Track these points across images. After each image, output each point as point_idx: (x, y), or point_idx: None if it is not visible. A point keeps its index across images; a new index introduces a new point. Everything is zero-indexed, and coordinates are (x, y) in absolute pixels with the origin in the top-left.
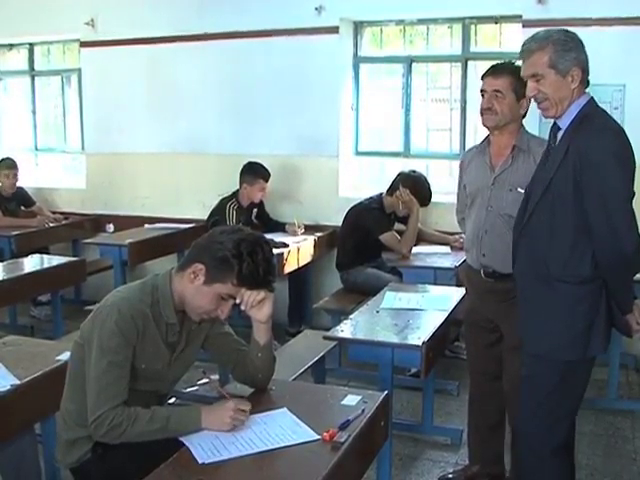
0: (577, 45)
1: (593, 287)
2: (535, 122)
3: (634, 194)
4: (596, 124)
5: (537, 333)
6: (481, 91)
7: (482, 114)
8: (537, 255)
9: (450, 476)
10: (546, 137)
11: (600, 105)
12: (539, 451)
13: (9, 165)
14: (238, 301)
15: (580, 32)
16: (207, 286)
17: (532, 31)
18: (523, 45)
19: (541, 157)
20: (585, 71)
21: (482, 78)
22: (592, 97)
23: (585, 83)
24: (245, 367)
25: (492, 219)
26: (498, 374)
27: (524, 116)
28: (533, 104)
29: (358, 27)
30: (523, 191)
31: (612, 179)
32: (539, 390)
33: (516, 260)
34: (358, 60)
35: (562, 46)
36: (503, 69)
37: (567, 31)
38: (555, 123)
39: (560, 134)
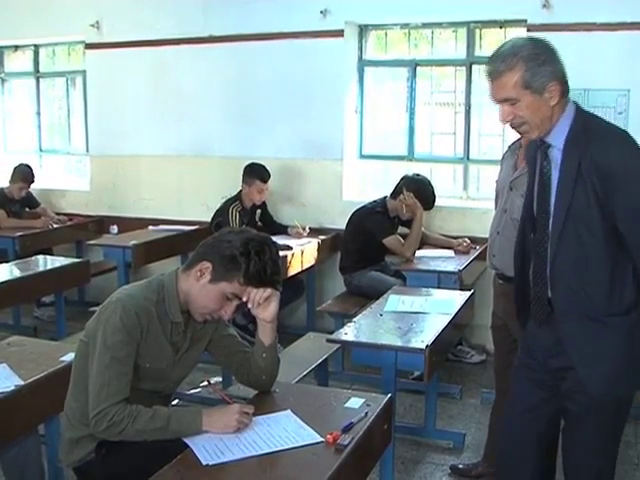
0: (550, 55)
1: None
2: None
3: None
4: (603, 134)
5: (600, 376)
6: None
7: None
8: (576, 291)
9: (460, 466)
10: None
11: (604, 110)
12: None
13: (25, 179)
14: (245, 299)
15: (585, 37)
16: (213, 284)
17: (537, 36)
18: (488, 64)
19: (530, 179)
20: (564, 82)
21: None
22: (576, 104)
23: (566, 93)
24: (249, 369)
25: (505, 221)
26: None
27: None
28: None
29: (363, 31)
30: None
31: None
32: (604, 437)
33: (555, 301)
34: (363, 63)
35: (534, 61)
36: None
37: (536, 40)
38: (542, 141)
39: (555, 153)
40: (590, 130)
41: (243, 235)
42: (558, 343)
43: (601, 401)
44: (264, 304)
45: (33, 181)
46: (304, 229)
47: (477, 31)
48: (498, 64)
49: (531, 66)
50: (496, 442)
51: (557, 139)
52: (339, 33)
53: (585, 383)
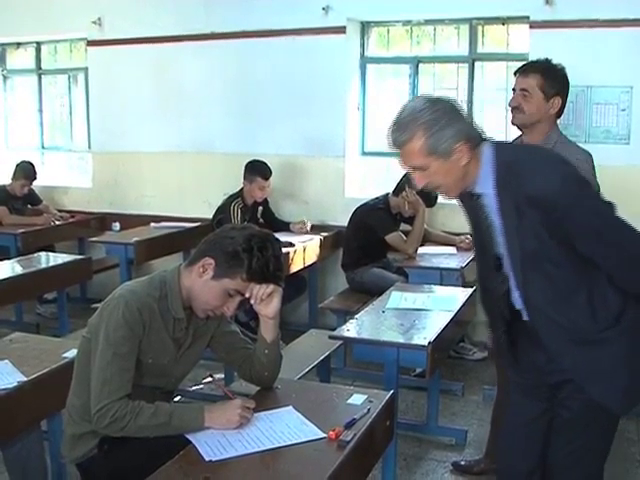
0: (452, 114)
1: (632, 311)
2: None
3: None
4: (530, 167)
5: (615, 392)
6: (513, 89)
7: (511, 112)
8: (559, 322)
9: (462, 463)
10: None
11: (607, 107)
12: None
13: (27, 176)
14: (247, 295)
15: (588, 33)
16: (215, 281)
17: (539, 32)
18: (391, 133)
19: (471, 228)
20: (471, 138)
21: (514, 75)
22: (493, 143)
23: (478, 142)
24: (251, 365)
25: None
26: None
27: (559, 116)
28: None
29: (365, 27)
30: None
31: (589, 205)
32: (594, 442)
33: (540, 333)
34: (365, 60)
35: (434, 127)
36: (532, 68)
37: (435, 102)
38: (471, 193)
39: (489, 200)
40: (516, 167)
41: (246, 231)
42: (550, 361)
43: (594, 407)
44: (266, 300)
45: (35, 178)
46: (305, 224)
47: (479, 28)
48: (399, 134)
49: (432, 132)
50: (496, 450)
51: (485, 187)
52: (341, 30)
53: (603, 402)
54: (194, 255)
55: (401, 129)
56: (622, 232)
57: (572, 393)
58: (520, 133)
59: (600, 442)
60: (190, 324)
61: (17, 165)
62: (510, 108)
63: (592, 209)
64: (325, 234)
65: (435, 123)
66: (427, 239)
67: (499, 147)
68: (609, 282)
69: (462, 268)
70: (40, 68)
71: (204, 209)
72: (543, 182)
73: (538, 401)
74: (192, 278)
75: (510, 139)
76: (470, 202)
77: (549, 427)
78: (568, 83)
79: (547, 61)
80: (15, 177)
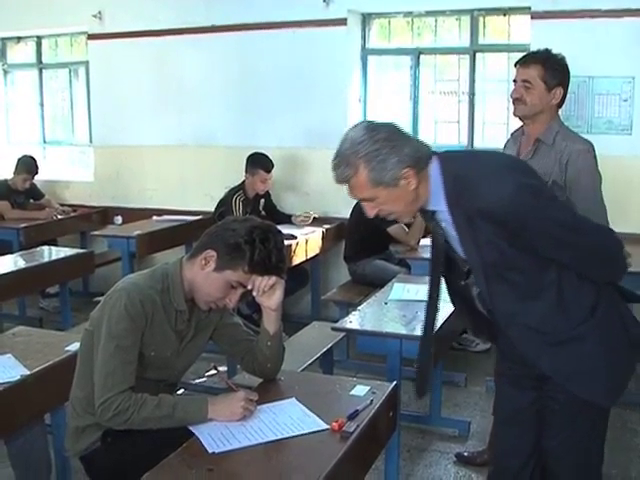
0: (393, 141)
1: (605, 302)
2: None
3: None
4: (476, 181)
5: (598, 387)
6: (514, 80)
7: (513, 103)
8: (534, 327)
9: (465, 454)
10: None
11: (609, 97)
12: None
13: (28, 170)
14: (250, 287)
15: (589, 24)
16: (217, 273)
17: (541, 23)
18: (333, 168)
19: (435, 242)
20: (416, 161)
21: (515, 66)
22: (439, 155)
23: (425, 161)
24: (254, 357)
25: None
26: None
27: (560, 106)
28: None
29: (366, 19)
30: None
31: (544, 215)
32: (587, 434)
33: (514, 339)
34: (366, 52)
35: (375, 159)
36: (533, 58)
37: (374, 130)
38: (424, 210)
39: (444, 215)
40: (464, 181)
41: (247, 223)
42: None
43: (580, 399)
44: (269, 292)
45: (37, 172)
46: (307, 216)
47: (481, 19)
48: (342, 169)
49: (374, 165)
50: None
51: (437, 203)
52: (342, 22)
53: (587, 398)
54: (196, 247)
55: (343, 164)
56: (585, 234)
57: (557, 386)
58: (521, 124)
59: (592, 431)
60: (192, 316)
61: (19, 159)
62: (512, 99)
63: (548, 218)
64: (327, 226)
65: (377, 154)
66: (429, 231)
67: (445, 160)
68: (579, 276)
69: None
70: (41, 62)
71: (206, 202)
72: (491, 196)
73: (526, 391)
74: (194, 270)
75: (512, 130)
76: (427, 218)
77: (539, 417)
78: (569, 73)
79: (548, 51)
80: (17, 171)
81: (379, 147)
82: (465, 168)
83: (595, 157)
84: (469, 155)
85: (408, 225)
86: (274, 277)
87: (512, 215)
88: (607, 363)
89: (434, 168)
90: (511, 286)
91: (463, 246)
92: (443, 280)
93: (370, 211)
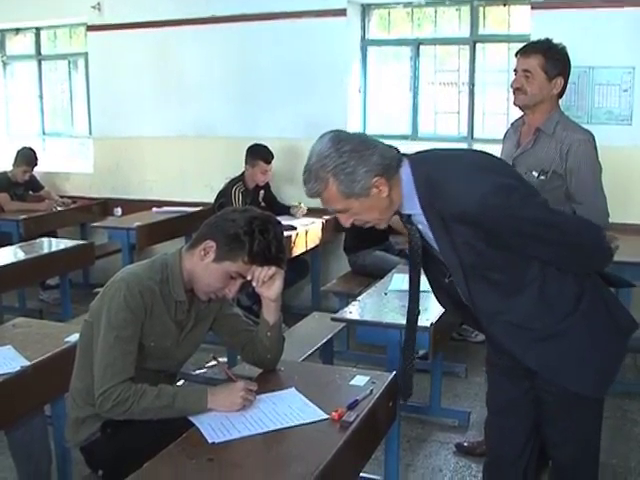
0: (360, 152)
1: (589, 293)
2: None
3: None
4: (447, 184)
5: (585, 379)
6: (514, 70)
7: (513, 93)
8: (518, 324)
9: (465, 444)
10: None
11: (609, 87)
12: None
13: (28, 162)
14: (249, 278)
15: (590, 13)
16: (217, 263)
17: (541, 13)
18: (305, 183)
19: (412, 245)
20: (386, 169)
21: (516, 56)
22: (410, 158)
23: (395, 166)
24: (254, 348)
25: None
26: None
27: (560, 96)
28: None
29: (366, 10)
30: (537, 175)
31: (519, 214)
32: (582, 426)
33: (504, 343)
34: (366, 43)
35: (343, 172)
36: (534, 48)
37: (340, 143)
38: (400, 214)
39: (419, 218)
40: (435, 185)
41: (247, 214)
42: None
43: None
44: (268, 283)
45: (36, 164)
46: (299, 208)
47: (481, 9)
48: (312, 184)
49: (343, 178)
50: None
51: (412, 207)
52: (342, 12)
53: (577, 391)
54: (195, 238)
55: (312, 178)
56: (561, 229)
57: (547, 379)
58: (522, 114)
59: (588, 421)
60: (192, 307)
61: (18, 152)
62: (512, 89)
63: (524, 217)
64: (327, 217)
65: (345, 166)
66: None
67: (416, 163)
68: (561, 269)
69: None
70: (40, 54)
71: (206, 193)
72: (463, 199)
73: (519, 380)
74: (194, 261)
75: (512, 120)
76: (404, 222)
77: (535, 407)
78: (570, 63)
79: (548, 41)
80: (16, 164)
81: (346, 159)
82: (436, 170)
83: (595, 147)
84: (440, 156)
85: None
86: (273, 268)
87: (486, 217)
88: (594, 354)
89: (405, 172)
90: (492, 285)
91: (440, 248)
92: (427, 279)
93: (345, 221)
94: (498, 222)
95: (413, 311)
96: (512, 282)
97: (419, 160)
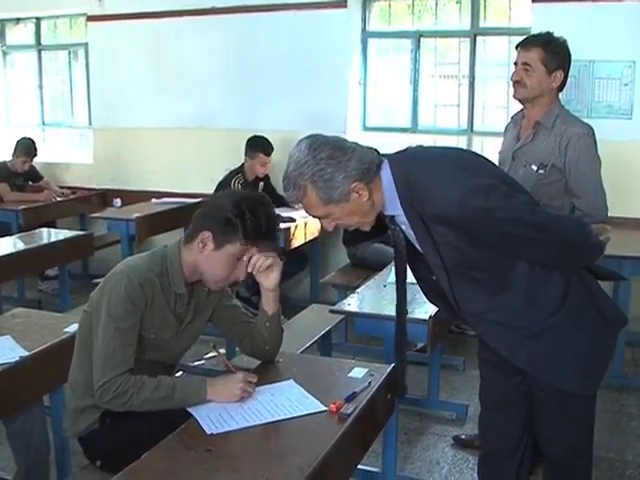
0: (337, 158)
1: (576, 290)
2: None
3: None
4: (426, 184)
5: (570, 376)
6: (514, 63)
7: (513, 86)
8: (504, 323)
9: (463, 437)
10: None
11: (610, 81)
12: None
13: (27, 152)
14: (250, 269)
15: (591, 7)
16: (218, 251)
17: (542, 6)
18: (285, 190)
19: (396, 247)
20: (364, 174)
21: (516, 48)
22: (389, 159)
23: (375, 169)
24: (252, 339)
25: None
26: None
27: (561, 89)
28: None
29: (366, 2)
30: (536, 168)
31: (499, 215)
32: (573, 423)
33: (490, 343)
34: (366, 35)
35: (321, 179)
36: (534, 41)
37: (316, 149)
38: (383, 215)
39: (401, 218)
40: (414, 186)
41: (234, 196)
42: None
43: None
44: (266, 272)
45: (36, 154)
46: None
47: (482, 2)
48: (292, 192)
49: (321, 185)
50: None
51: (394, 208)
52: (342, 4)
53: (566, 389)
54: (190, 231)
55: (291, 186)
56: (544, 229)
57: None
58: (522, 107)
59: (580, 414)
60: (192, 299)
61: (17, 142)
62: (512, 82)
63: (504, 218)
64: None
65: (322, 174)
66: None
67: (396, 165)
68: (546, 268)
69: None
70: (40, 44)
71: (205, 184)
72: (443, 201)
73: (511, 375)
74: (194, 255)
75: (512, 114)
76: (387, 222)
77: (527, 402)
78: (570, 56)
79: (549, 34)
80: (16, 154)
81: (323, 166)
82: (416, 172)
83: (595, 141)
84: (420, 157)
85: None
86: (271, 258)
87: (465, 218)
88: (582, 351)
89: (386, 173)
90: (476, 284)
91: (422, 248)
92: (415, 277)
93: (328, 226)
94: (477, 223)
95: (402, 310)
96: (496, 281)
97: (399, 161)
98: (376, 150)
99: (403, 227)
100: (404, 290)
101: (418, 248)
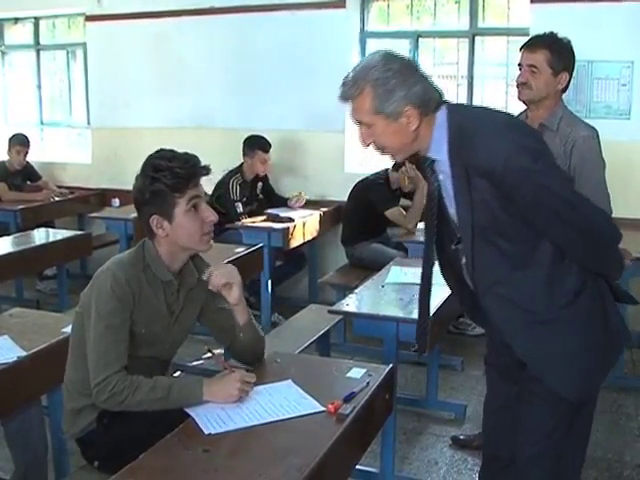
0: (404, 76)
1: (589, 291)
2: None
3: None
4: (480, 134)
5: (567, 378)
6: (518, 64)
7: (518, 88)
8: (515, 301)
9: (461, 437)
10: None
11: (608, 82)
12: None
13: (21, 142)
14: (202, 202)
15: (589, 7)
16: (175, 221)
17: (541, 7)
18: (342, 84)
19: (430, 194)
20: (421, 104)
21: (520, 50)
22: (450, 106)
23: (434, 106)
24: (238, 345)
25: None
26: None
27: (564, 91)
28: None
29: (365, 2)
30: None
31: (541, 181)
32: (554, 430)
33: (495, 319)
34: (365, 35)
35: (383, 86)
36: (540, 43)
37: (390, 59)
38: (425, 157)
39: (443, 165)
40: (466, 134)
41: (139, 174)
42: None
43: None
44: (226, 288)
45: (29, 145)
46: (298, 199)
47: (480, 2)
48: (349, 87)
49: (380, 93)
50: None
51: (439, 152)
52: (341, 4)
53: (558, 392)
54: (145, 228)
55: (351, 82)
56: (581, 211)
57: (531, 379)
58: (524, 108)
59: (560, 422)
60: (181, 287)
61: (9, 138)
62: (517, 84)
63: (544, 185)
64: (325, 209)
65: (385, 82)
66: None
67: (454, 110)
68: (568, 260)
69: None
70: (38, 43)
71: (204, 184)
72: (489, 154)
73: (511, 384)
74: (162, 243)
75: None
76: (424, 167)
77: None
78: (574, 57)
79: (553, 35)
80: (10, 148)
81: (389, 76)
82: (471, 120)
83: (599, 143)
84: (479, 110)
85: (405, 209)
86: (224, 279)
87: (508, 176)
88: (581, 353)
89: (441, 116)
90: (499, 253)
91: (457, 201)
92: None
93: (364, 139)
94: (518, 183)
95: (428, 262)
96: (519, 255)
97: (457, 108)
98: (441, 93)
99: (440, 177)
100: (432, 234)
101: (448, 207)
